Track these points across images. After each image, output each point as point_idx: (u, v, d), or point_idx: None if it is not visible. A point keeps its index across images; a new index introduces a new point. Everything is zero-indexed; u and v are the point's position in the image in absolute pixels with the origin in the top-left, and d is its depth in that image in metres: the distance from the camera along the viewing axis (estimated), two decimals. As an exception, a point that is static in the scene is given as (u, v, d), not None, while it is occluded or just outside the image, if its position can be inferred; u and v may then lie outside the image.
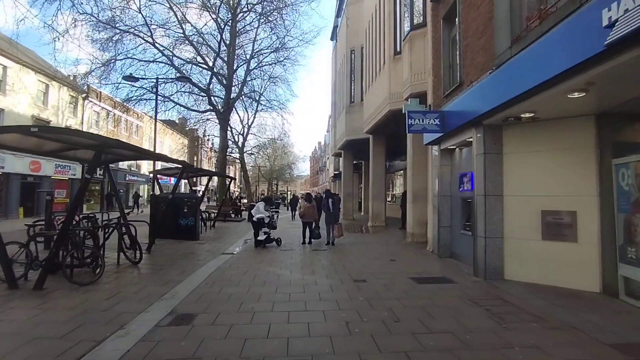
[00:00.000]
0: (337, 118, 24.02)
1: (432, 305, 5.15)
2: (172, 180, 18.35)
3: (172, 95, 23.02)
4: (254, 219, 11.02)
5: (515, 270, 6.55)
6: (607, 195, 5.64)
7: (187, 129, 39.78)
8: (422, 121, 8.38)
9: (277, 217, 11.89)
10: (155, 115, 13.89)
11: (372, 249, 10.78)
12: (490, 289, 6.06)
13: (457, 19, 8.34)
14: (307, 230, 11.59)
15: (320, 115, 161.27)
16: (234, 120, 73.76)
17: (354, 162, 25.27)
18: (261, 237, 11.02)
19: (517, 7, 6.10)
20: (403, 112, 9.80)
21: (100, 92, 29.52)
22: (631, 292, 5.21)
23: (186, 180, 16.72)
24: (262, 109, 32.93)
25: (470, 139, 7.66)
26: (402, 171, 21.90)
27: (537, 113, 5.95)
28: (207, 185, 16.42)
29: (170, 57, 20.97)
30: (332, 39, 28.93)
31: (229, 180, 19.38)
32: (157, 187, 14.43)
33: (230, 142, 36.26)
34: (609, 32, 3.60)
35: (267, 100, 25.94)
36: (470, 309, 5.04)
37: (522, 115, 6.09)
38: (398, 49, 12.91)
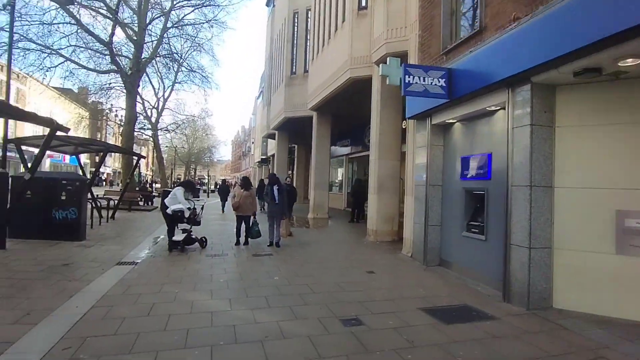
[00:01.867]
0: (273, 93, 20.96)
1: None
2: (68, 158, 13.93)
3: (62, 49, 17.86)
4: (169, 210, 7.77)
5: (570, 296, 4.51)
6: None
7: (90, 101, 33.01)
8: (424, 80, 5.99)
9: (202, 209, 8.72)
10: (10, 54, 9.49)
11: (330, 252, 8.27)
12: (563, 334, 3.89)
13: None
14: (243, 226, 8.67)
15: (243, 97, 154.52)
16: (147, 93, 65.68)
17: (288, 145, 22.55)
18: (178, 236, 7.86)
19: None
20: (380, 73, 7.37)
21: None
22: None
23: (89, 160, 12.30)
24: (182, 81, 28.45)
25: (493, 107, 5.47)
26: (344, 157, 19.78)
27: None
28: (100, 162, 12.22)
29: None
30: (267, 4, 25.47)
31: (137, 159, 15.28)
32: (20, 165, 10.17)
33: (141, 117, 31.02)
34: None
35: (189, 68, 21.72)
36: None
37: (619, 65, 3.95)
38: (363, 3, 10.40)
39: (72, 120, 31.76)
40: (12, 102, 30.10)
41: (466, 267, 6.11)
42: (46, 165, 37.55)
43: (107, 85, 22.33)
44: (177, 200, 7.84)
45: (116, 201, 13.85)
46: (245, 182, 8.82)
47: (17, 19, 15.60)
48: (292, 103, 16.79)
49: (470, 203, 6.19)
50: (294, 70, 17.08)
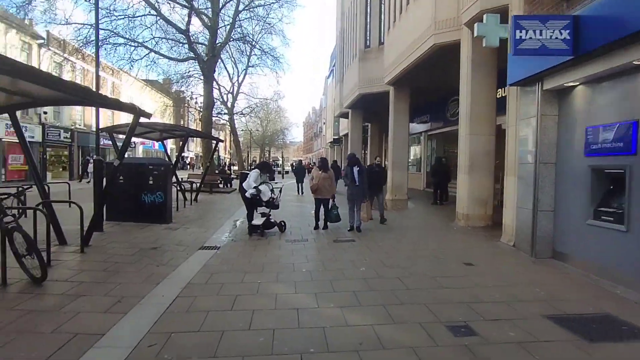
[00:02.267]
0: (346, 70, 20.16)
1: None
2: (157, 145, 14.82)
3: (146, 42, 18.93)
4: (247, 194, 7.63)
5: None
6: None
7: (173, 90, 35.18)
8: (541, 34, 4.87)
9: (281, 192, 8.47)
10: (97, 45, 9.94)
11: (418, 238, 7.53)
12: None
13: None
14: (322, 210, 8.28)
15: (313, 78, 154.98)
16: (222, 78, 68.50)
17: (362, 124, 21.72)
18: (257, 220, 7.70)
19: None
20: (476, 34, 6.36)
21: (64, 41, 24.91)
22: None
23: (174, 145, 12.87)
24: (254, 64, 28.82)
25: (641, 61, 4.22)
26: (421, 134, 18.50)
27: None
28: (182, 146, 12.62)
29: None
30: (337, -23, 24.42)
31: (215, 143, 15.72)
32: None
33: (218, 103, 32.29)
34: None
35: (260, 50, 21.73)
36: None
37: None
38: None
39: (159, 108, 34.22)
40: (108, 94, 33.20)
41: (594, 262, 5.00)
42: (139, 151, 41.29)
43: (187, 74, 23.44)
44: (253, 183, 7.67)
45: (198, 184, 14.44)
46: (324, 163, 8.37)
47: (105, 15, 16.76)
48: (367, 78, 15.89)
49: (600, 184, 5.00)
50: (368, 43, 16.08)
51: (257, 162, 58.15)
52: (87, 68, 28.65)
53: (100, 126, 11.59)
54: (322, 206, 8.28)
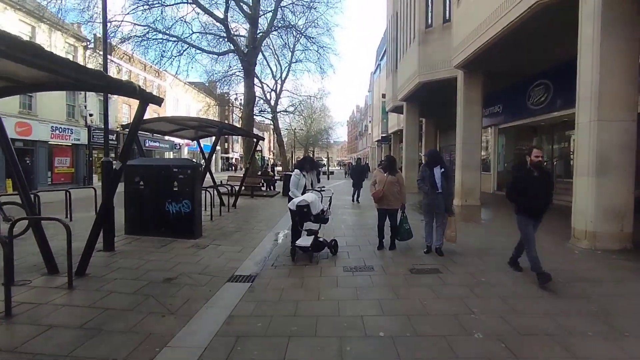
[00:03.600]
0: (401, 58, 17.87)
1: None
2: (203, 145, 13.42)
3: (186, 37, 17.86)
4: (292, 206, 5.77)
5: None
6: None
7: (218, 93, 34.38)
8: None
9: (330, 202, 6.49)
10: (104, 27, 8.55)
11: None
12: None
13: None
14: (388, 223, 6.26)
15: (357, 75, 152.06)
16: (265, 77, 67.76)
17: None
18: (304, 240, 5.76)
19: None
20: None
21: (110, 42, 24.67)
22: None
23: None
24: (298, 60, 27.24)
25: None
26: (491, 127, 15.86)
27: None
28: (215, 143, 10.81)
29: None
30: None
31: (256, 141, 14.12)
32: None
33: (261, 101, 31.10)
34: None
35: (305, 37, 19.86)
36: None
37: None
38: None
39: (202, 109, 33.66)
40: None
41: None
42: (184, 153, 41.29)
43: (229, 72, 22.27)
44: (297, 190, 5.80)
45: (238, 187, 12.92)
46: (390, 163, 6.31)
47: (135, 2, 15.70)
48: (429, 63, 13.55)
49: None
50: (429, 22, 13.74)
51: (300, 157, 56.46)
52: (136, 71, 28.60)
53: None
54: (386, 219, 6.26)
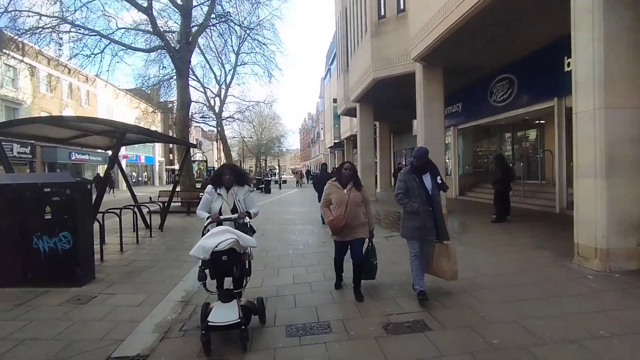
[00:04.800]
0: (352, 56, 16.50)
1: None
2: (143, 158, 10.98)
3: (110, 33, 15.31)
4: (199, 253, 3.42)
5: None
6: None
7: (162, 100, 30.68)
8: None
9: (252, 250, 3.72)
10: None
11: (535, 308, 3.77)
12: None
13: None
14: (347, 255, 4.50)
15: (307, 83, 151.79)
16: (208, 80, 64.18)
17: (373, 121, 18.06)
18: (225, 314, 3.32)
19: None
20: None
21: (23, 43, 21.05)
22: None
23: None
24: (243, 63, 25.42)
25: None
26: (450, 128, 14.86)
27: None
28: (116, 149, 7.84)
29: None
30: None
31: (186, 149, 11.93)
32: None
33: (205, 107, 28.69)
34: None
35: (250, 37, 17.98)
36: None
37: None
38: None
39: (141, 116, 30.25)
40: (83, 104, 29.47)
41: None
42: (123, 164, 37.40)
43: (164, 74, 19.83)
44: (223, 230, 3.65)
45: (165, 204, 10.71)
46: (353, 175, 4.46)
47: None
48: (384, 57, 12.19)
49: None
50: (382, 12, 12.43)
51: (253, 172, 53.12)
52: (57, 75, 25.02)
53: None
54: (345, 251, 4.52)
